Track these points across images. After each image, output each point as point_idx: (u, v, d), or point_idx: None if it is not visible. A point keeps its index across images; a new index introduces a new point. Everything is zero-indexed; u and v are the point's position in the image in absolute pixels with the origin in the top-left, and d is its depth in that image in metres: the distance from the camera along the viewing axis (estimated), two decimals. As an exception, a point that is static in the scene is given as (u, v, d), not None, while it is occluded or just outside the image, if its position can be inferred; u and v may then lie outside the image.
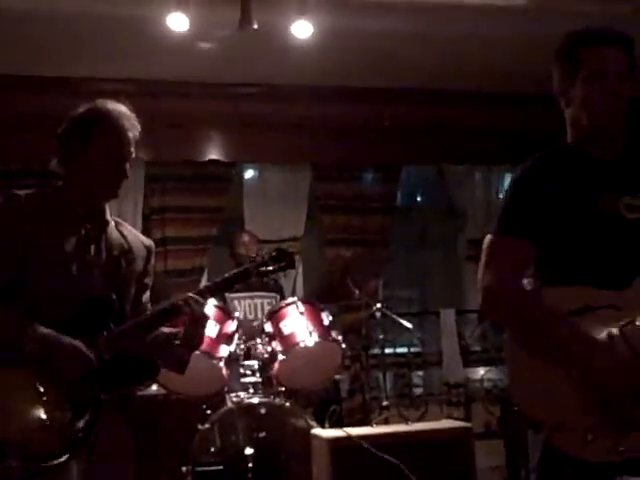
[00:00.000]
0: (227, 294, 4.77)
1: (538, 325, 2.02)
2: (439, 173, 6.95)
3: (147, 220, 5.75)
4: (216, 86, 5.51)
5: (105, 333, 2.21)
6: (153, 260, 2.49)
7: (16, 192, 2.33)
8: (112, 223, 2.40)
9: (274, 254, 2.50)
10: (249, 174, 6.25)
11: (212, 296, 2.48)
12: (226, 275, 2.46)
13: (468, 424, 4.12)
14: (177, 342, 2.34)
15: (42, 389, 2.09)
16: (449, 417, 5.24)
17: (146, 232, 5.69)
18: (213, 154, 5.76)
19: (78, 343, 2.14)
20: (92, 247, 2.30)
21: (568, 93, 2.14)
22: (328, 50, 4.99)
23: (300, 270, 6.05)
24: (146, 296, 2.46)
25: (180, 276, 5.55)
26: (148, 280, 2.46)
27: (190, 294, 2.32)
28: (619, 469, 1.96)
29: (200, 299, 2.32)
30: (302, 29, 4.61)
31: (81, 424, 2.11)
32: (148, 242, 2.50)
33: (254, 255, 2.53)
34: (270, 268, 2.48)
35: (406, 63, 5.22)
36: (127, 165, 2.32)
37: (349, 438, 3.47)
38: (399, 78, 5.50)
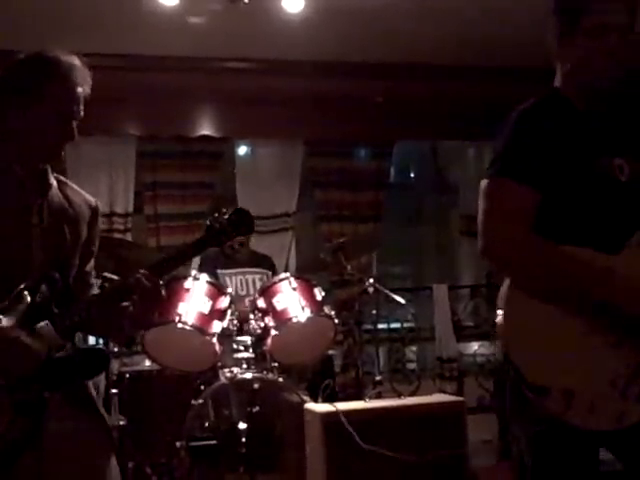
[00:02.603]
0: (218, 270, 4.76)
1: (563, 269, 1.90)
2: (432, 149, 6.95)
3: (139, 196, 5.74)
4: (208, 61, 5.47)
5: (49, 321, 1.94)
6: (99, 224, 2.23)
7: None
8: (54, 185, 2.12)
9: (233, 217, 2.15)
10: (242, 150, 6.24)
11: (167, 271, 2.12)
12: (178, 248, 2.18)
13: (461, 398, 4.13)
14: (125, 319, 2.10)
15: None
16: (442, 391, 5.27)
17: (138, 208, 5.70)
18: (205, 130, 5.74)
19: (25, 339, 1.88)
20: (33, 216, 2.02)
21: (564, 46, 2.05)
22: (319, 25, 4.96)
23: (293, 246, 6.06)
24: (90, 265, 2.20)
25: (173, 252, 5.54)
26: (93, 247, 2.20)
27: (142, 270, 2.02)
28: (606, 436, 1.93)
29: (150, 276, 2.02)
30: (293, 3, 4.58)
31: (24, 426, 1.87)
32: (93, 202, 2.20)
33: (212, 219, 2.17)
34: (230, 235, 2.14)
35: (399, 38, 5.19)
36: (74, 124, 2.03)
37: (343, 412, 3.48)
38: (392, 53, 5.46)
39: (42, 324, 1.92)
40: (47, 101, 1.99)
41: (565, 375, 1.88)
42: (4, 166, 2.03)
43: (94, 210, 2.20)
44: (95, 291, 2.18)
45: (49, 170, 2.11)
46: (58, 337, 1.93)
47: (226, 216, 2.15)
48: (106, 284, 2.16)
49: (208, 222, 2.16)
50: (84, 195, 2.20)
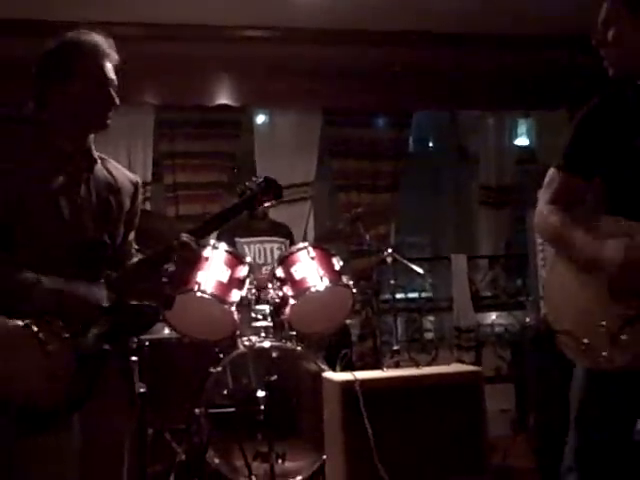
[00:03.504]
0: (236, 239, 4.79)
1: (564, 236, 2.25)
2: (452, 118, 6.90)
3: (157, 165, 5.74)
4: (226, 29, 5.43)
5: (103, 280, 2.17)
6: (140, 197, 2.44)
7: None
8: (99, 161, 2.33)
9: (262, 184, 2.44)
10: (260, 119, 6.22)
11: (206, 234, 2.44)
12: (218, 212, 2.46)
13: (478, 368, 4.14)
14: (165, 280, 2.31)
15: (45, 341, 2.00)
16: (459, 361, 5.28)
17: (157, 177, 5.72)
18: (223, 99, 5.72)
19: (83, 290, 2.10)
20: (82, 188, 2.23)
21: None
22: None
23: (311, 215, 6.06)
24: (132, 235, 2.41)
25: (192, 221, 5.53)
26: (135, 219, 2.42)
27: (183, 235, 2.28)
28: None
29: (193, 238, 2.28)
30: (313, -30, 4.54)
31: (86, 376, 2.06)
32: (135, 178, 2.44)
33: (243, 189, 2.45)
34: (260, 200, 2.44)
35: (419, 6, 5.13)
36: (113, 91, 2.25)
37: (361, 381, 3.49)
38: (411, 21, 5.40)
39: (96, 283, 2.15)
40: (83, 76, 2.20)
41: (571, 321, 2.24)
42: (53, 143, 2.21)
43: (135, 185, 2.40)
44: (136, 260, 2.38)
45: (93, 147, 2.29)
46: (110, 295, 2.15)
47: (257, 183, 2.42)
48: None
49: (239, 189, 2.44)
50: (125, 171, 2.41)
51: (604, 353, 2.14)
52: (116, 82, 2.26)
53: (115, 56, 2.27)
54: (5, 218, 2.10)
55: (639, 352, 2.11)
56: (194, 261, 2.33)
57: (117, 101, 2.24)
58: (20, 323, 1.98)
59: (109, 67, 2.24)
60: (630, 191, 2.22)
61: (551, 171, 2.35)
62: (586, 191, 2.30)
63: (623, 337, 2.12)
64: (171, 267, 2.30)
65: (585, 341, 2.17)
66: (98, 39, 2.25)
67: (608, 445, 2.22)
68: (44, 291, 2.04)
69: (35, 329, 1.98)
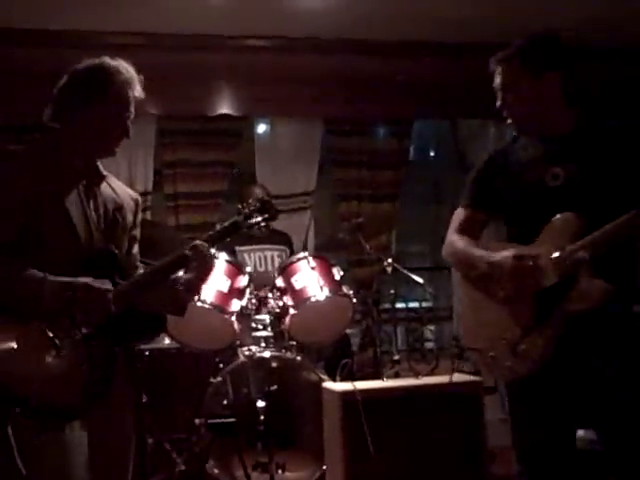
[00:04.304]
0: (236, 248, 4.79)
1: (465, 255, 2.57)
2: (452, 127, 6.90)
3: (158, 175, 5.74)
4: (227, 39, 5.44)
5: (115, 287, 2.24)
6: (140, 213, 2.53)
7: (12, 148, 2.33)
8: (104, 177, 2.42)
9: (258, 205, 2.54)
10: (261, 128, 6.22)
11: (217, 243, 2.53)
12: (218, 228, 2.54)
13: (478, 378, 4.13)
14: (179, 287, 2.39)
15: (59, 345, 2.10)
16: (460, 371, 5.26)
17: (158, 187, 5.72)
18: (224, 108, 5.72)
19: (93, 282, 2.17)
20: (91, 204, 2.32)
21: None
22: (339, 2, 4.93)
23: (312, 225, 6.05)
24: (136, 249, 2.50)
25: (192, 231, 5.54)
26: (136, 232, 2.50)
27: (197, 241, 2.37)
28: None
29: (207, 245, 2.37)
30: (313, -20, 4.55)
31: (99, 378, 2.15)
32: (135, 195, 2.54)
33: (241, 207, 2.55)
34: (257, 220, 2.54)
35: (419, 16, 5.15)
36: (129, 123, 2.37)
37: (361, 391, 3.49)
38: (412, 31, 5.42)
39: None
40: (110, 107, 2.31)
41: (479, 337, 2.47)
42: (66, 160, 2.30)
43: (136, 201, 2.51)
44: (148, 269, 2.45)
45: (100, 165, 2.40)
46: (124, 300, 2.22)
47: (253, 204, 2.53)
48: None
49: (238, 210, 2.54)
50: (126, 188, 2.53)
51: (507, 363, 2.34)
52: (132, 115, 2.36)
53: (141, 91, 2.37)
54: (22, 219, 2.15)
55: (536, 359, 2.30)
56: (207, 267, 2.41)
57: (131, 135, 2.36)
58: (36, 327, 2.08)
59: (132, 100, 2.35)
60: (515, 221, 2.54)
61: (458, 209, 2.72)
62: (485, 223, 2.69)
63: (522, 347, 2.32)
64: (186, 275, 2.38)
65: (491, 354, 2.38)
66: (132, 71, 2.36)
67: (547, 450, 2.37)
68: (54, 284, 2.11)
69: (50, 334, 2.09)
